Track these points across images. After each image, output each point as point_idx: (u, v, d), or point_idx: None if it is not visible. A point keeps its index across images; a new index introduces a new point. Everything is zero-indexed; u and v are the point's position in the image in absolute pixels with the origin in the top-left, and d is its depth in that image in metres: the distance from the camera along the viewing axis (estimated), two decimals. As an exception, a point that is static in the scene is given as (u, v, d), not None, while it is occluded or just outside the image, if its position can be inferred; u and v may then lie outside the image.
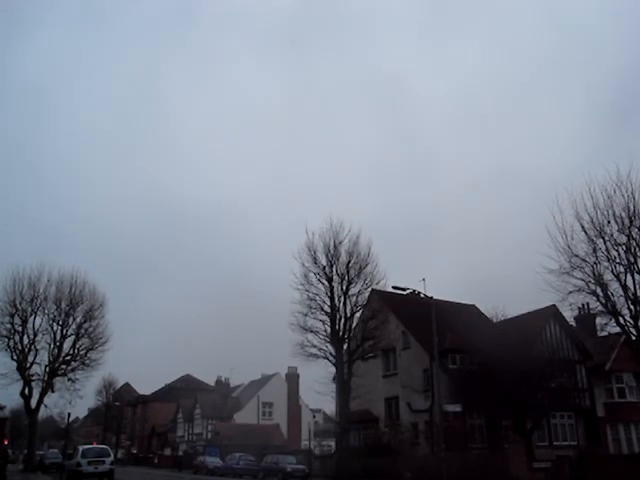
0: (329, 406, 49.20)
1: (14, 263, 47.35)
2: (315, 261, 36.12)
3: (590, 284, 25.72)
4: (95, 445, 37.57)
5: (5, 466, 30.32)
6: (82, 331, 47.54)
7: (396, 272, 36.79)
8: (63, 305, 47.11)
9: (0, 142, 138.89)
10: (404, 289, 29.95)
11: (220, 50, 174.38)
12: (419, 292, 30.08)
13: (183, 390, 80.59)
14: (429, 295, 30.12)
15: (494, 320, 36.29)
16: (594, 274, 25.68)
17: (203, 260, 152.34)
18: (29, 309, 46.16)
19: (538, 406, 30.00)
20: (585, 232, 25.87)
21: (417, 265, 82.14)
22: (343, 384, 35.09)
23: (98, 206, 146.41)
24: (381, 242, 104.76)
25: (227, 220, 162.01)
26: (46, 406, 48.96)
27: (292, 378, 65.53)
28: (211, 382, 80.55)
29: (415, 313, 34.47)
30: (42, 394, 46.50)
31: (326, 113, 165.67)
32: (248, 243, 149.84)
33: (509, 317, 35.30)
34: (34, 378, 46.60)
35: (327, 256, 36.04)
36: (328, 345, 35.37)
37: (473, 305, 42.99)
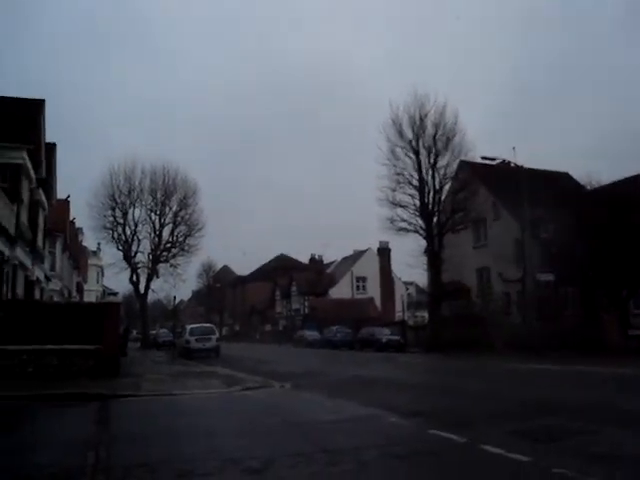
0: (421, 278, 49.49)
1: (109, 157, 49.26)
2: (401, 135, 35.54)
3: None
4: (201, 324, 40.08)
5: (126, 344, 32.96)
6: (178, 219, 49.95)
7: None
8: (158, 195, 49.38)
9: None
10: (493, 159, 29.18)
11: None
12: (509, 161, 29.17)
13: (278, 269, 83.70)
14: (519, 164, 29.14)
15: (588, 187, 34.78)
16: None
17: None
18: (127, 202, 48.86)
19: (635, 274, 29.10)
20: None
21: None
22: (434, 256, 35.33)
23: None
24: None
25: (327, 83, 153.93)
26: (153, 290, 52.96)
27: (384, 252, 66.06)
28: (305, 260, 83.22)
29: (505, 183, 33.61)
30: (148, 280, 50.00)
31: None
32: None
33: (604, 184, 33.57)
34: (139, 265, 50.16)
35: (413, 129, 35.38)
36: (418, 219, 35.43)
37: (566, 173, 41.33)
